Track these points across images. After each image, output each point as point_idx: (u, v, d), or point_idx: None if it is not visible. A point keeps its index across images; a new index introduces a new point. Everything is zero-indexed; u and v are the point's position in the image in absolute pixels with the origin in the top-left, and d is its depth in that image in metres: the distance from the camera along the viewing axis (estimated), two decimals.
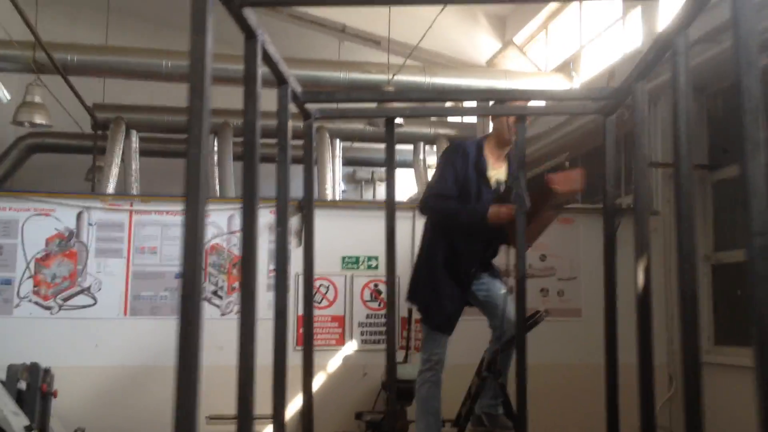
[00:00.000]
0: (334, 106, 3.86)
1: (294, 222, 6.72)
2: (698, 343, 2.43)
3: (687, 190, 2.31)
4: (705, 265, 6.84)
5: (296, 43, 11.29)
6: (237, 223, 6.70)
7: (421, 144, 11.81)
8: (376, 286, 6.78)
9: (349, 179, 14.64)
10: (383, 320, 6.73)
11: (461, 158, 4.19)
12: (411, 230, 6.96)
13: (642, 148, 2.82)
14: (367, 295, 6.78)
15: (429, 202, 4.28)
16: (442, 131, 11.62)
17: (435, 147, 11.74)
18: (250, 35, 2.39)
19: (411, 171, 12.31)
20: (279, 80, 2.81)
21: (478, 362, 4.41)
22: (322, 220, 6.89)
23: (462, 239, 4.19)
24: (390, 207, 3.46)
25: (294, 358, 6.73)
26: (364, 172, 14.59)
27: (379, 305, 6.77)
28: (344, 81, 9.51)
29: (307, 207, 3.43)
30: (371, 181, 14.98)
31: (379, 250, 7.03)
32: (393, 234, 3.48)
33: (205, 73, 1.89)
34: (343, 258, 6.84)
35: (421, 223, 7.07)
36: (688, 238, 2.42)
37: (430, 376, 4.29)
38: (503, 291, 4.30)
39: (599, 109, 3.42)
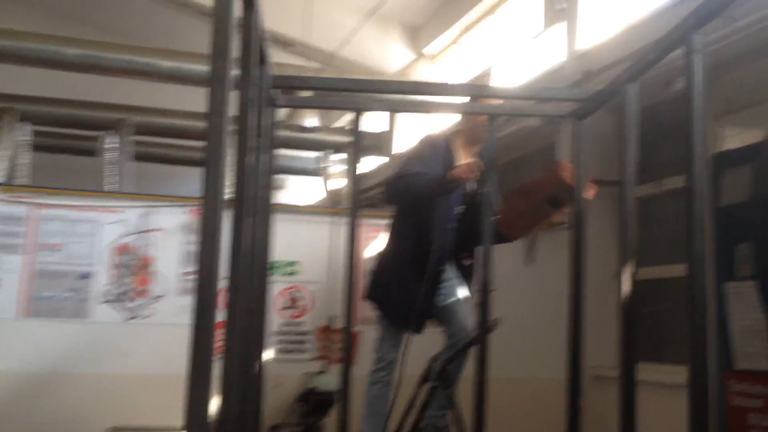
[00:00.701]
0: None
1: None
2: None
3: (700, 193, 2.23)
4: (617, 282, 6.92)
5: (196, 39, 10.80)
6: (151, 222, 6.33)
7: (329, 152, 11.65)
8: (293, 293, 6.53)
9: None
10: (300, 329, 6.50)
11: (430, 151, 4.02)
12: (327, 235, 6.80)
13: (629, 155, 2.74)
14: (284, 303, 6.53)
15: (393, 183, 4.03)
16: (349, 139, 11.47)
17: (343, 155, 11.59)
18: (249, 5, 2.16)
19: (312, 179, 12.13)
20: (260, 60, 2.58)
21: (423, 372, 4.25)
22: None
23: (433, 234, 4.01)
24: (354, 206, 3.27)
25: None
26: None
27: (296, 313, 6.53)
28: None
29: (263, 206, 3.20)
30: None
31: (298, 254, 6.86)
32: (354, 237, 3.29)
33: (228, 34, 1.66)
34: None
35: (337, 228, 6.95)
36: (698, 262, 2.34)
37: (382, 375, 4.12)
38: (463, 296, 4.15)
39: (572, 112, 3.34)
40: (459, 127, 4.19)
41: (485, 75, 9.44)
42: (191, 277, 6.42)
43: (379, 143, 11.80)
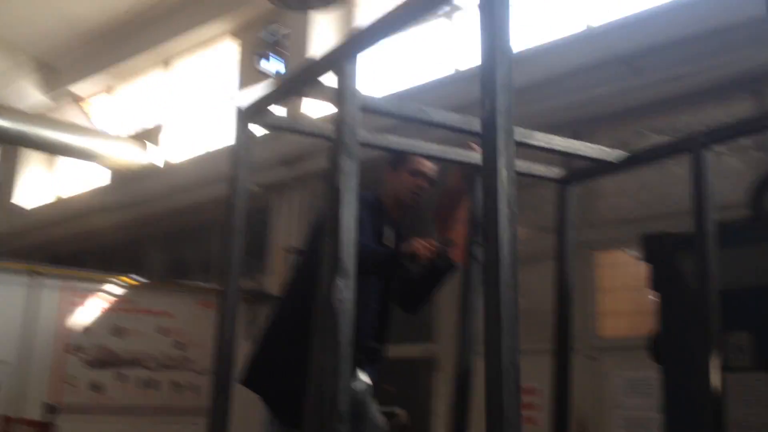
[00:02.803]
0: None
1: None
2: None
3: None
4: None
5: None
6: None
7: None
8: None
9: None
10: None
11: (366, 213, 3.09)
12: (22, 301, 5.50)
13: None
14: None
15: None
16: None
17: None
18: None
19: None
20: None
21: None
22: None
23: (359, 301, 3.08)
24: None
25: None
26: None
27: None
28: None
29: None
30: None
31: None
32: None
33: None
34: None
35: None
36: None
37: None
38: (366, 386, 3.26)
39: (559, 175, 3.00)
40: (386, 187, 3.38)
41: (154, 130, 8.54)
42: None
43: None
